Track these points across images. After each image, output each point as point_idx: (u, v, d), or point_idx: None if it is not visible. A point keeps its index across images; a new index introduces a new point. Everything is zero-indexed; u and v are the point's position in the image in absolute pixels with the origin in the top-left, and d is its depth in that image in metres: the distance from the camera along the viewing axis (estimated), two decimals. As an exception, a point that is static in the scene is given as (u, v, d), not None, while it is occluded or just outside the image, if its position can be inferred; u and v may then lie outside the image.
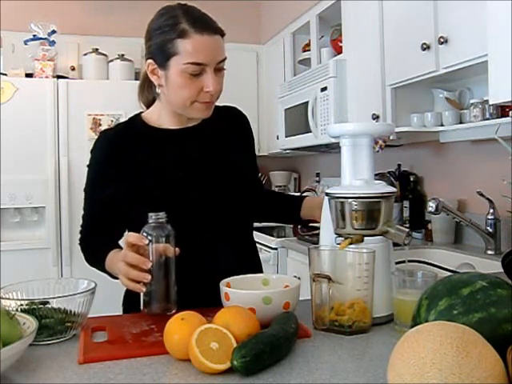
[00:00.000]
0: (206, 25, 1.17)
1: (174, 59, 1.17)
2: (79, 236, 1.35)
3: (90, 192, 1.31)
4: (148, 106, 1.37)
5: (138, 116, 1.35)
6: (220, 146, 1.34)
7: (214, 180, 1.30)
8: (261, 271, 1.41)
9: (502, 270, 1.22)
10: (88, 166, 1.32)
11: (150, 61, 1.22)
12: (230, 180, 1.32)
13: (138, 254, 1.03)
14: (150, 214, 1.05)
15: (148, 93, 1.36)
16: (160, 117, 1.31)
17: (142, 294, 1.04)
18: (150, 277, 1.02)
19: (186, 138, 1.31)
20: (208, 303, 1.07)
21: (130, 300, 1.28)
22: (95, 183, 1.30)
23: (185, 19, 1.16)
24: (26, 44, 3.26)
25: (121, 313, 1.33)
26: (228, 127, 1.38)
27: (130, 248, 1.04)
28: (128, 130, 1.32)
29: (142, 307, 1.05)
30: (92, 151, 1.32)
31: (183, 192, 1.27)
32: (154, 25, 1.21)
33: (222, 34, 1.21)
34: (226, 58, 1.22)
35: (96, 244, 1.29)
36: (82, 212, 1.33)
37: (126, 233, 1.23)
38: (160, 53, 1.19)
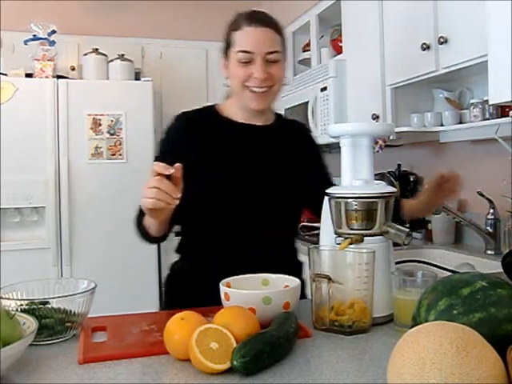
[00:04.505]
0: (258, 19, 1.30)
1: (231, 49, 1.31)
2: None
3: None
4: None
5: (212, 106, 1.44)
6: (280, 150, 1.40)
7: (269, 180, 1.35)
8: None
9: (501, 270, 1.22)
10: (160, 140, 1.39)
11: (221, 56, 1.37)
12: (284, 183, 1.37)
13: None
14: None
15: None
16: (231, 110, 1.40)
17: None
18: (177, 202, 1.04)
19: (252, 134, 1.38)
20: None
21: (173, 292, 1.42)
22: (165, 156, 1.28)
23: (243, 17, 1.31)
24: (26, 44, 3.25)
25: (120, 313, 1.32)
26: (291, 137, 1.44)
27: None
28: (204, 114, 1.40)
29: None
30: (169, 125, 1.39)
31: (238, 184, 1.31)
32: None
33: (278, 30, 1.32)
34: (278, 52, 1.31)
35: None
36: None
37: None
38: (224, 46, 1.35)
